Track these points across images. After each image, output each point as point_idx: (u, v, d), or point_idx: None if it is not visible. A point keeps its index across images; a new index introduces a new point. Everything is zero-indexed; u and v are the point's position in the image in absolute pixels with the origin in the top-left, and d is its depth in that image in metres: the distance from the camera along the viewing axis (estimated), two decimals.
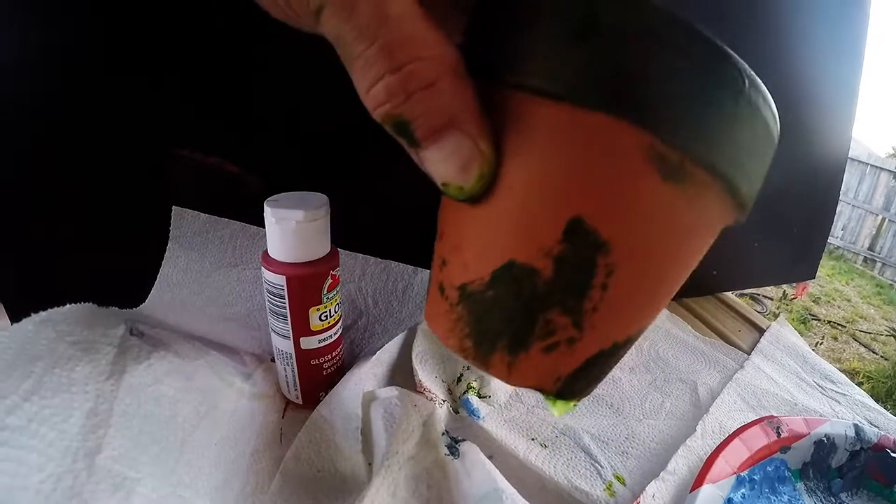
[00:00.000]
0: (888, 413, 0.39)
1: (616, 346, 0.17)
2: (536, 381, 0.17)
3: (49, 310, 0.25)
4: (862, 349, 2.54)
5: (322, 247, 0.29)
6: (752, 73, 0.14)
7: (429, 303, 0.19)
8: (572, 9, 0.13)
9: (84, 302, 0.28)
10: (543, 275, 0.15)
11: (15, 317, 0.33)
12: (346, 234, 0.30)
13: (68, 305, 0.26)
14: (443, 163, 0.14)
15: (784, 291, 2.73)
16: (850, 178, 3.79)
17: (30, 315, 0.25)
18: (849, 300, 3.17)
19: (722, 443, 0.31)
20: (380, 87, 0.13)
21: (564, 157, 0.14)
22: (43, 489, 0.20)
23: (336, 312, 0.31)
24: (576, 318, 0.15)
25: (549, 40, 0.14)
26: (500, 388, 0.36)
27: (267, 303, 0.29)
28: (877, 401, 0.41)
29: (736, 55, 0.14)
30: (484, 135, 0.14)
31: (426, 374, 0.33)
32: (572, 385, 0.17)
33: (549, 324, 0.16)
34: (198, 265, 0.37)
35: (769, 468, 0.31)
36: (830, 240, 3.83)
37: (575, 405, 0.21)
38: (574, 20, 0.13)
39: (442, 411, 0.32)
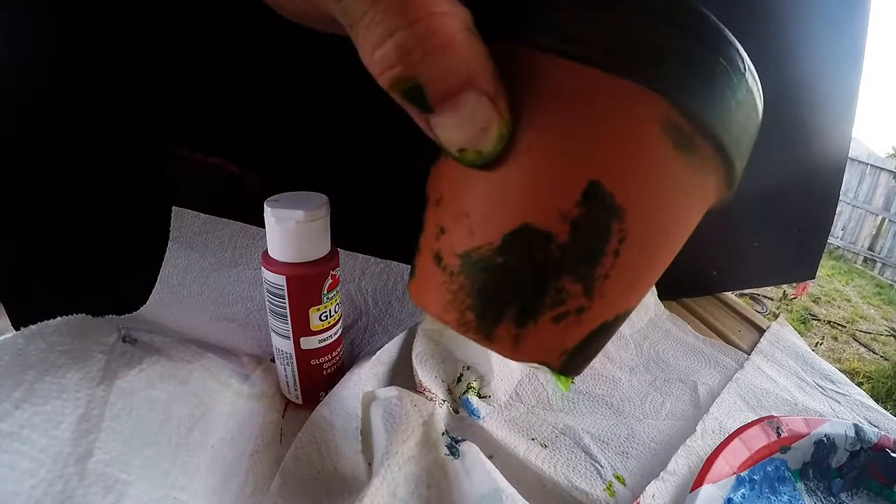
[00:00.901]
0: (888, 413, 0.39)
1: (617, 318, 0.17)
2: (543, 354, 0.16)
3: (39, 323, 0.25)
4: (862, 349, 2.54)
5: (322, 247, 0.29)
6: (749, 60, 0.15)
7: (417, 277, 0.17)
8: None
9: (84, 303, 0.28)
10: (559, 239, 0.14)
11: (15, 318, 0.33)
12: (346, 234, 0.30)
13: (59, 318, 0.26)
14: (460, 127, 0.13)
15: (784, 291, 2.73)
16: (850, 178, 3.79)
17: (30, 315, 0.25)
18: (849, 300, 3.17)
19: (722, 443, 0.31)
20: (389, 46, 0.12)
21: (586, 121, 0.14)
22: (34, 494, 0.20)
23: (336, 312, 0.31)
24: (587, 285, 0.15)
25: (579, 5, 0.14)
26: (500, 389, 0.36)
27: (267, 303, 0.29)
28: (877, 401, 0.40)
29: (738, 42, 0.14)
30: (501, 94, 0.13)
31: (426, 374, 0.33)
32: (573, 360, 0.17)
33: (561, 291, 0.15)
34: (198, 265, 0.37)
35: (769, 468, 0.31)
36: (830, 240, 3.83)
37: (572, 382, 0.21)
38: None
39: (442, 411, 0.32)
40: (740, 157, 0.16)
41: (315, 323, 0.29)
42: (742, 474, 0.30)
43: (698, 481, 0.28)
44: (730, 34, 0.14)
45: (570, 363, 0.17)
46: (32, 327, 0.25)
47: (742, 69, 0.14)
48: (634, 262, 0.16)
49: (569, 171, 0.14)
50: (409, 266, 0.19)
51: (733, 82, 0.14)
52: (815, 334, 2.59)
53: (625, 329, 0.45)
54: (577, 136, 0.14)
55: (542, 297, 0.15)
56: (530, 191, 0.14)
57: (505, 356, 0.16)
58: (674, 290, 0.51)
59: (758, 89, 0.15)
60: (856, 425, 0.33)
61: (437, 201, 0.17)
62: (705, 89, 0.14)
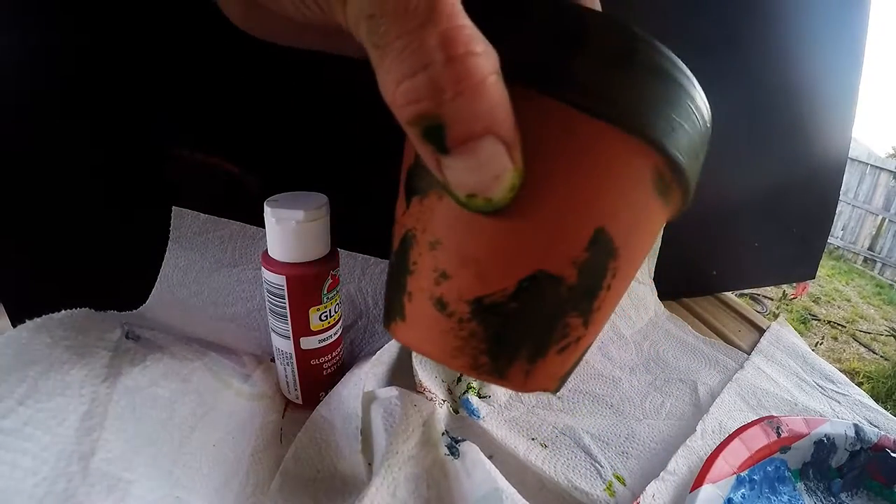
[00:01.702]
0: (888, 413, 0.39)
1: (595, 337, 0.18)
2: (546, 383, 0.17)
3: (44, 316, 0.25)
4: (862, 349, 2.54)
5: (322, 247, 0.29)
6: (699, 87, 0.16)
7: (410, 322, 0.17)
8: (617, 39, 0.14)
9: (84, 303, 0.28)
10: (568, 282, 0.15)
11: (15, 318, 0.33)
12: (346, 234, 0.30)
13: (63, 311, 0.26)
14: (473, 172, 0.13)
15: (784, 291, 2.73)
16: (850, 178, 3.79)
17: (30, 315, 0.25)
18: (849, 300, 3.17)
19: (722, 443, 0.31)
20: (420, 80, 0.12)
21: (595, 171, 0.15)
22: (37, 492, 0.20)
23: (336, 312, 0.31)
24: (586, 318, 0.16)
25: (595, 62, 0.14)
26: (500, 389, 0.36)
27: (267, 303, 0.29)
28: (877, 401, 0.40)
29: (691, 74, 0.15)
30: (517, 143, 0.13)
31: (426, 374, 0.33)
32: (565, 381, 0.18)
33: (566, 327, 0.16)
34: (198, 265, 0.37)
35: (769, 468, 0.31)
36: (830, 240, 3.83)
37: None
38: (616, 49, 0.14)
39: (442, 411, 0.32)
40: (695, 188, 0.17)
41: (315, 323, 0.29)
42: (742, 474, 0.30)
43: (698, 481, 0.28)
44: (689, 73, 0.15)
45: (562, 385, 0.18)
46: (37, 320, 0.25)
47: (705, 109, 0.16)
48: (618, 291, 0.17)
49: (580, 219, 0.15)
50: (388, 304, 0.18)
51: (705, 133, 0.16)
52: (815, 334, 2.59)
53: (625, 329, 0.45)
54: (586, 186, 0.15)
55: (551, 335, 0.16)
56: (544, 239, 0.15)
57: (512, 390, 0.17)
58: (674, 290, 0.51)
59: (709, 116, 0.16)
60: (856, 425, 0.33)
61: (433, 244, 0.16)
62: (687, 143, 0.15)
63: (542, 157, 0.14)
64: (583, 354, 0.18)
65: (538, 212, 0.15)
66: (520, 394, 0.36)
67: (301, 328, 0.29)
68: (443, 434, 0.29)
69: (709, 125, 0.16)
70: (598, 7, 0.17)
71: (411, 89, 0.12)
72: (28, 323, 0.24)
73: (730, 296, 0.55)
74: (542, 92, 0.14)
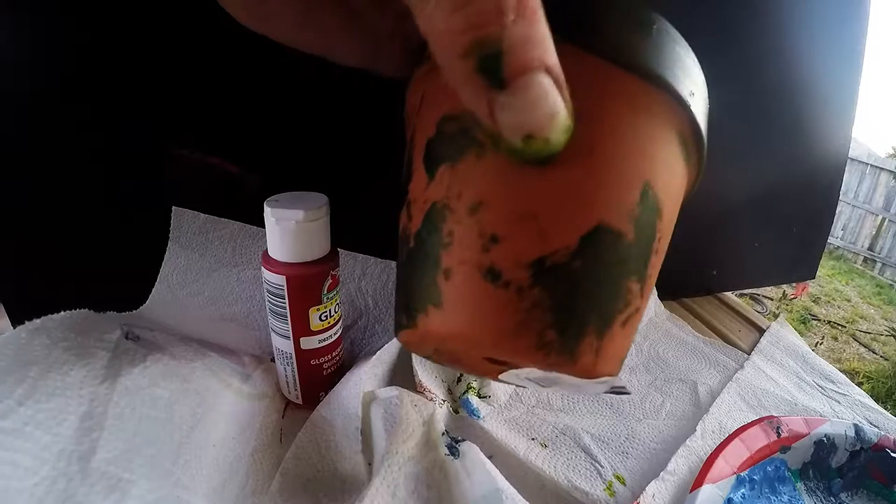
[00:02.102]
0: (888, 413, 0.39)
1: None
2: (611, 366, 0.15)
3: (43, 317, 0.25)
4: (862, 349, 2.54)
5: (322, 247, 0.29)
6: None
7: (452, 305, 0.14)
8: (638, 8, 0.15)
9: (84, 303, 0.28)
10: (626, 238, 0.14)
11: (15, 318, 0.33)
12: (346, 234, 0.30)
13: (62, 312, 0.26)
14: (528, 110, 0.12)
15: (784, 291, 2.73)
16: (850, 178, 3.79)
17: (30, 316, 0.25)
18: (849, 300, 3.17)
19: (722, 443, 0.31)
20: (483, 2, 0.11)
21: (634, 124, 0.15)
22: (37, 492, 0.20)
23: (336, 312, 0.31)
24: (642, 283, 0.15)
25: (623, 25, 0.15)
26: (500, 389, 0.36)
27: (267, 303, 0.29)
28: (877, 401, 0.40)
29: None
30: (565, 82, 0.12)
31: (426, 374, 0.33)
32: (622, 364, 0.16)
33: (628, 293, 0.15)
34: (198, 265, 0.37)
35: (769, 468, 0.31)
36: (830, 240, 3.83)
37: None
38: (638, 17, 0.15)
39: (442, 411, 0.32)
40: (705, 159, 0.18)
41: (315, 323, 0.29)
42: (742, 474, 0.30)
43: (698, 481, 0.28)
44: (692, 52, 0.16)
45: (620, 368, 0.16)
46: (36, 321, 0.25)
47: (705, 88, 0.17)
48: (660, 259, 0.17)
49: (630, 170, 0.15)
50: (408, 300, 0.16)
51: (707, 105, 0.17)
52: (815, 334, 2.59)
53: None
54: (628, 138, 0.15)
55: (617, 302, 0.15)
56: (601, 189, 0.14)
57: (582, 377, 0.15)
58: (674, 290, 0.51)
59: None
60: (856, 425, 0.33)
61: (474, 208, 0.14)
62: (703, 110, 0.16)
63: (587, 110, 0.14)
64: (634, 333, 0.17)
65: (591, 160, 0.14)
66: (519, 393, 0.36)
67: (301, 328, 0.29)
68: (443, 434, 0.29)
69: (708, 100, 0.17)
70: None
71: (473, 13, 0.11)
72: (27, 324, 0.24)
73: (730, 296, 0.55)
74: (579, 46, 0.14)
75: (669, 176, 0.16)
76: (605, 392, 0.18)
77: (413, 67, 0.19)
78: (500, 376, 0.19)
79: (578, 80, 0.13)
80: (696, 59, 0.16)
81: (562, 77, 0.12)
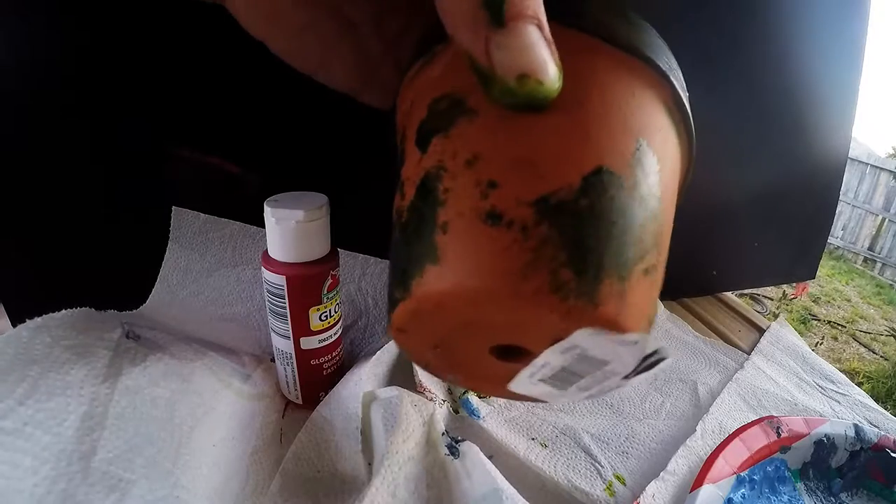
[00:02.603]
0: (888, 413, 0.39)
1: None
2: (641, 320, 0.14)
3: (44, 315, 0.25)
4: (862, 349, 2.54)
5: (322, 247, 0.29)
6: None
7: (452, 259, 0.14)
8: (615, 2, 0.17)
9: (84, 303, 0.28)
10: (629, 183, 0.14)
11: (15, 317, 0.33)
12: (346, 234, 0.30)
13: (63, 311, 0.26)
14: (526, 50, 0.13)
15: (784, 291, 2.73)
16: (850, 178, 3.79)
17: (30, 316, 0.25)
18: (849, 300, 3.17)
19: (722, 443, 0.31)
20: None
21: (623, 91, 0.16)
22: (37, 492, 0.20)
23: (336, 312, 0.31)
24: (655, 239, 0.15)
25: (601, 8, 0.16)
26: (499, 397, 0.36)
27: (267, 303, 0.29)
28: (877, 401, 0.40)
29: None
30: (553, 45, 0.14)
31: (426, 374, 0.33)
32: (652, 326, 0.16)
33: (642, 242, 0.14)
34: (198, 265, 0.37)
35: (769, 468, 0.31)
36: (830, 240, 3.83)
37: None
38: (613, 4, 0.17)
39: (442, 411, 0.32)
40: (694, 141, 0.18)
41: (315, 323, 0.29)
42: (742, 474, 0.30)
43: (698, 481, 0.28)
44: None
45: (651, 329, 0.15)
46: (37, 320, 0.25)
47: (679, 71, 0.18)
48: (667, 230, 0.16)
49: (622, 125, 0.15)
50: (402, 270, 0.15)
51: (684, 84, 0.18)
52: (815, 334, 2.59)
53: None
54: (618, 97, 0.16)
55: (632, 246, 0.14)
56: (597, 135, 0.15)
57: (608, 328, 0.13)
58: (674, 290, 0.51)
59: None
60: (856, 425, 0.33)
61: (470, 162, 0.14)
62: (683, 84, 0.17)
63: (573, 74, 0.14)
64: (658, 290, 0.16)
65: (583, 113, 0.15)
66: None
67: (301, 328, 0.29)
68: (443, 434, 0.29)
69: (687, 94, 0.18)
70: None
71: None
72: (28, 322, 0.24)
73: (730, 296, 0.55)
74: (565, 25, 0.15)
75: (662, 140, 0.16)
76: (640, 367, 0.15)
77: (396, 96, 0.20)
78: (510, 385, 0.17)
79: (564, 46, 0.14)
80: (668, 48, 0.18)
81: (550, 36, 0.14)
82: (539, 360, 0.15)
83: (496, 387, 0.18)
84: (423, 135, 0.16)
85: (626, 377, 0.15)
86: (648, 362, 0.15)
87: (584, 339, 0.14)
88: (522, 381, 0.16)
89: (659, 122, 0.16)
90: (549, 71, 0.13)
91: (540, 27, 0.13)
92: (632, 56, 0.16)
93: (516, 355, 0.17)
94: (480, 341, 0.17)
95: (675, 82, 0.17)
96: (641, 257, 0.14)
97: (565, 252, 0.13)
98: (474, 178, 0.14)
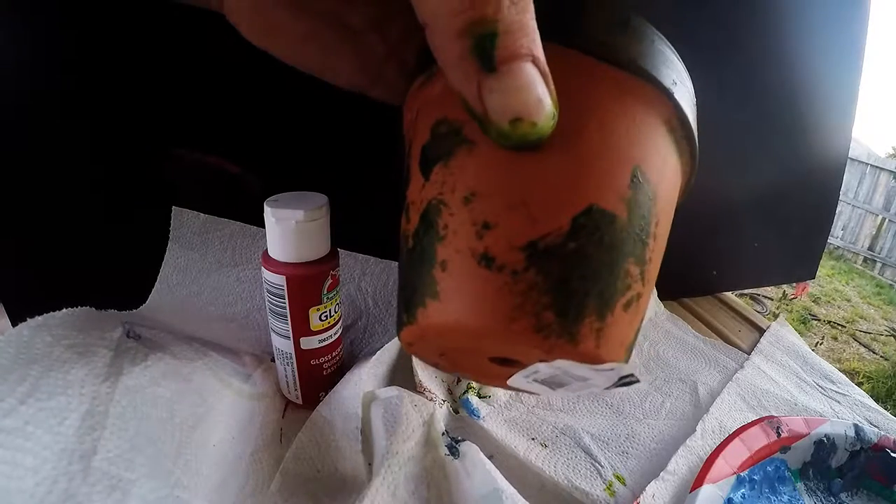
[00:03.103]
0: (888, 413, 0.39)
1: (645, 313, 0.17)
2: (617, 351, 0.15)
3: (45, 315, 0.25)
4: (862, 349, 2.54)
5: (322, 247, 0.29)
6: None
7: (449, 295, 0.15)
8: (611, 9, 0.16)
9: (84, 303, 0.28)
10: (620, 219, 0.15)
11: (15, 317, 0.33)
12: (346, 234, 0.30)
13: (64, 310, 0.26)
14: (516, 94, 0.13)
15: (784, 291, 2.73)
16: (850, 178, 3.79)
17: (30, 315, 0.25)
18: (849, 300, 3.17)
19: (722, 443, 0.31)
20: None
21: (620, 114, 0.15)
22: (38, 491, 0.20)
23: (336, 312, 0.31)
24: (642, 268, 0.15)
25: (600, 24, 0.16)
26: (500, 388, 0.36)
27: (267, 303, 0.29)
28: (877, 401, 0.40)
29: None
30: (549, 76, 0.13)
31: (426, 374, 0.33)
32: (631, 352, 0.16)
33: (627, 276, 0.15)
34: (198, 265, 0.37)
35: (769, 468, 0.31)
36: (830, 240, 3.83)
37: None
38: (614, 15, 0.16)
39: (442, 411, 0.32)
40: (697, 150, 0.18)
41: (315, 323, 0.29)
42: (742, 474, 0.30)
43: (698, 481, 0.28)
44: (672, 47, 0.17)
45: (629, 356, 0.16)
46: (38, 319, 0.25)
47: (690, 81, 0.17)
48: (660, 248, 0.17)
49: (617, 155, 0.15)
50: (408, 297, 0.16)
51: (693, 96, 0.17)
52: (815, 334, 2.59)
53: None
54: (615, 126, 0.15)
55: (616, 283, 0.15)
56: (590, 173, 0.15)
57: (585, 361, 0.15)
58: (674, 290, 0.51)
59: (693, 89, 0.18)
60: (856, 425, 0.33)
61: (468, 199, 0.15)
62: (687, 99, 0.17)
63: (572, 102, 0.14)
64: (641, 321, 0.17)
65: (578, 147, 0.15)
66: (519, 393, 0.36)
67: (301, 328, 0.29)
68: (443, 434, 0.29)
69: (695, 97, 0.18)
70: None
71: None
72: (29, 322, 0.24)
73: (730, 296, 0.55)
74: (561, 44, 0.15)
75: (661, 163, 0.16)
76: (616, 384, 0.17)
77: (403, 97, 0.20)
78: (508, 381, 0.19)
79: (562, 73, 0.14)
80: (677, 54, 0.17)
81: (547, 69, 0.13)
82: (530, 368, 0.17)
83: (498, 382, 0.20)
84: (425, 159, 0.17)
85: (607, 388, 0.17)
86: (624, 382, 0.16)
87: (565, 365, 0.15)
88: (519, 380, 0.18)
89: (659, 144, 0.16)
90: (544, 111, 0.13)
91: (535, 62, 0.13)
92: (632, 75, 0.16)
93: (512, 364, 0.18)
94: (480, 355, 0.18)
95: (678, 98, 0.16)
96: (625, 291, 0.15)
97: (549, 295, 0.14)
98: (471, 218, 0.15)
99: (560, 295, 0.14)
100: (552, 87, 0.13)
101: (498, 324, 0.14)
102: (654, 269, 0.16)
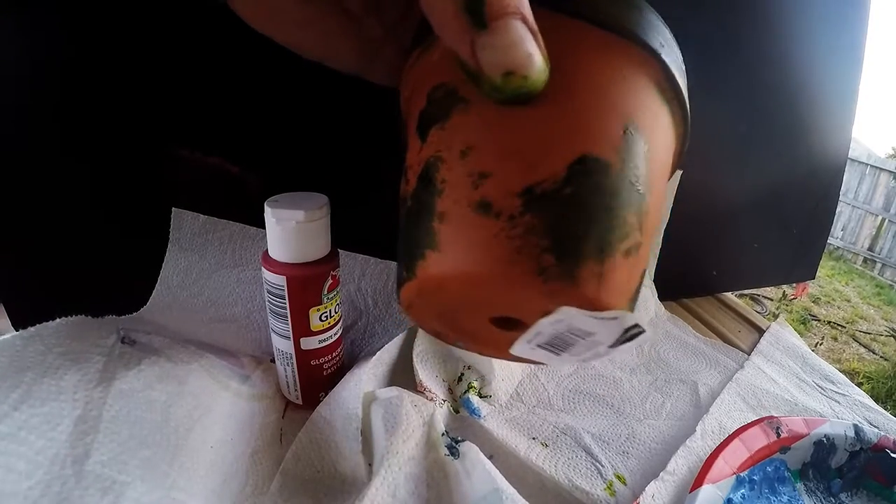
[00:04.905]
0: (888, 413, 0.39)
1: (645, 271, 0.18)
2: (619, 299, 0.15)
3: (37, 325, 0.25)
4: (862, 349, 2.54)
5: (322, 247, 0.29)
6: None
7: (448, 245, 0.15)
8: None
9: (83, 304, 0.28)
10: (614, 168, 0.15)
11: (15, 318, 0.33)
12: (346, 234, 0.30)
13: (58, 320, 0.26)
14: (507, 50, 0.14)
15: (784, 292, 2.73)
16: (850, 179, 3.79)
17: (30, 316, 0.25)
18: (849, 300, 3.17)
19: (722, 443, 0.31)
20: None
21: (610, 73, 0.16)
22: (31, 495, 0.20)
23: (336, 313, 0.31)
24: (640, 218, 0.16)
25: None
26: (500, 388, 0.36)
27: (267, 303, 0.29)
28: (877, 401, 0.40)
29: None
30: (539, 34, 0.14)
31: (427, 374, 0.33)
32: (635, 303, 0.17)
33: (625, 224, 0.15)
34: (198, 267, 0.37)
35: (769, 468, 0.31)
36: (830, 240, 3.83)
37: None
38: None
39: (442, 411, 0.32)
40: (689, 114, 0.19)
41: (315, 323, 0.29)
42: (742, 474, 0.30)
43: (698, 481, 0.28)
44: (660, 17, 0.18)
45: (633, 307, 0.17)
46: (31, 329, 0.25)
47: (677, 46, 0.18)
48: (657, 202, 0.17)
49: (609, 109, 0.16)
50: (407, 253, 0.16)
51: (681, 60, 0.18)
52: (815, 334, 2.59)
53: None
54: (605, 84, 0.16)
55: (615, 230, 0.15)
56: (582, 124, 0.15)
57: (587, 306, 0.14)
58: (674, 290, 0.51)
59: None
60: (856, 426, 0.33)
61: (464, 153, 0.15)
62: (675, 61, 0.17)
63: (562, 61, 0.15)
64: (643, 275, 0.17)
65: (570, 100, 0.15)
66: (520, 393, 0.36)
67: (301, 328, 0.29)
68: (443, 434, 0.29)
69: (683, 65, 0.18)
70: None
71: None
72: (21, 332, 0.25)
73: (730, 296, 0.55)
74: (550, 8, 0.15)
75: (652, 119, 0.17)
76: (622, 339, 0.16)
77: (398, 79, 0.20)
78: (511, 350, 0.18)
79: (552, 34, 0.14)
80: (663, 21, 0.18)
81: (535, 27, 0.14)
82: (532, 330, 0.16)
83: (500, 351, 0.20)
84: (422, 123, 0.17)
85: (612, 346, 0.17)
86: (629, 334, 0.16)
87: (568, 314, 0.15)
88: (521, 347, 0.18)
89: (649, 101, 0.17)
90: (535, 65, 0.14)
91: (524, 20, 0.14)
92: (620, 37, 0.16)
93: (513, 326, 0.18)
94: (480, 314, 0.18)
95: (665, 59, 0.17)
96: (624, 238, 0.15)
97: (548, 238, 0.14)
98: (467, 169, 0.15)
99: (558, 237, 0.14)
100: (542, 43, 0.14)
101: (498, 269, 0.14)
102: (652, 222, 0.17)
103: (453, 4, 0.13)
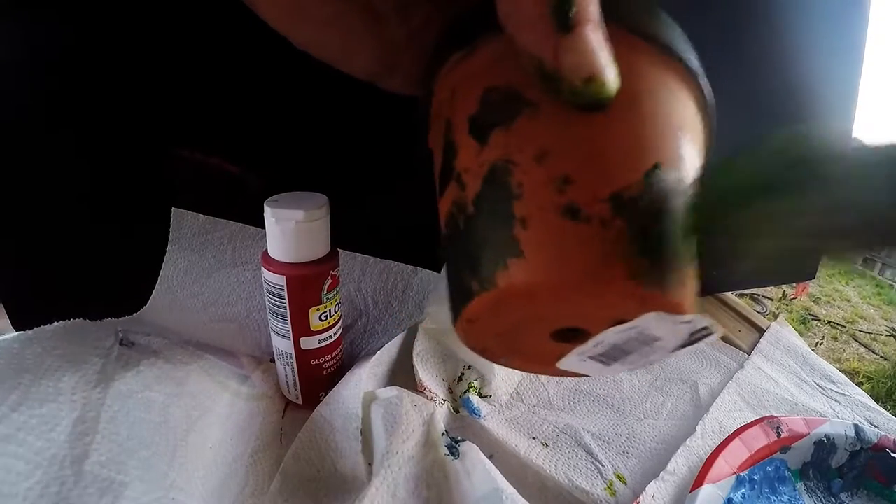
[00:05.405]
0: (888, 413, 0.39)
1: None
2: (694, 300, 0.16)
3: (35, 329, 0.25)
4: (862, 349, 2.54)
5: (322, 247, 0.29)
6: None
7: (535, 251, 0.15)
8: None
9: (83, 304, 0.28)
10: (678, 176, 0.15)
11: (15, 318, 0.33)
12: (346, 234, 0.30)
13: (55, 323, 0.26)
14: (593, 53, 0.14)
15: (784, 291, 2.73)
16: None
17: (30, 316, 0.25)
18: (849, 300, 3.17)
19: (722, 443, 0.31)
20: None
21: (666, 86, 0.17)
22: (30, 496, 0.20)
23: (336, 312, 0.31)
24: (696, 223, 0.16)
25: (637, 6, 0.17)
26: (500, 388, 0.36)
27: (267, 303, 0.29)
28: (877, 401, 0.40)
29: None
30: (609, 42, 0.15)
31: (427, 373, 0.33)
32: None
33: (692, 229, 0.15)
34: (198, 266, 0.37)
35: (769, 468, 0.31)
36: None
37: None
38: (650, 4, 0.17)
39: (442, 411, 0.32)
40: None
41: (315, 323, 0.29)
42: (742, 474, 0.30)
43: (698, 481, 0.28)
44: None
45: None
46: (29, 332, 0.25)
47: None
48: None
49: (668, 122, 0.16)
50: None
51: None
52: (815, 334, 2.59)
53: None
54: (663, 97, 0.17)
55: (686, 234, 0.15)
56: (650, 133, 0.16)
57: (673, 311, 0.15)
58: None
59: None
60: (856, 425, 0.33)
61: (540, 157, 0.15)
62: (707, 84, 0.18)
63: (626, 79, 0.15)
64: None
65: (637, 109, 0.16)
66: (520, 392, 0.36)
67: (301, 328, 0.29)
68: (443, 434, 0.29)
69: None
70: None
71: None
72: (19, 335, 0.25)
73: (730, 296, 0.55)
74: (617, 24, 0.16)
75: (696, 132, 0.17)
76: (688, 341, 0.17)
77: (424, 82, 0.19)
78: (559, 363, 0.18)
79: (616, 49, 0.15)
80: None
81: (607, 36, 0.14)
82: (594, 339, 0.16)
83: (547, 366, 0.19)
84: (478, 127, 0.17)
85: (674, 350, 0.17)
86: (696, 337, 0.16)
87: (649, 321, 0.15)
88: (572, 360, 0.18)
89: (692, 115, 0.18)
90: (611, 73, 0.14)
91: (602, 29, 0.14)
92: (667, 55, 0.17)
93: (573, 338, 0.18)
94: (544, 326, 0.18)
95: (701, 80, 0.18)
96: (692, 244, 0.15)
97: (637, 244, 0.14)
98: (548, 173, 0.15)
99: (647, 243, 0.14)
100: (613, 56, 0.14)
101: (591, 274, 0.14)
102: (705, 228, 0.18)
103: (541, 6, 0.14)
